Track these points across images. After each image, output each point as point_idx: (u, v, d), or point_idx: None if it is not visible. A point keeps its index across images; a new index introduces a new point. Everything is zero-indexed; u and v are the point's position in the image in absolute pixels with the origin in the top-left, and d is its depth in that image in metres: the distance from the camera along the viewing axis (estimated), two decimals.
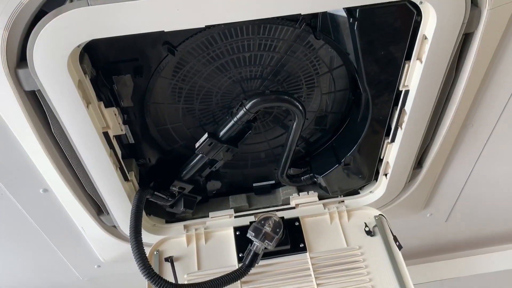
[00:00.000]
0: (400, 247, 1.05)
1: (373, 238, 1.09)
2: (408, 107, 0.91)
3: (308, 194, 1.17)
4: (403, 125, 0.95)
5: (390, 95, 0.91)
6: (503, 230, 1.44)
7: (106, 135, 0.87)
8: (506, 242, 1.46)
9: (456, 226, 1.39)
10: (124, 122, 0.94)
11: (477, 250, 1.47)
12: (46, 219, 1.07)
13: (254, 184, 1.20)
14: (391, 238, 1.07)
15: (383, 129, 0.99)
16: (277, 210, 1.16)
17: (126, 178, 0.98)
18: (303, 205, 1.16)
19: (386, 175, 1.10)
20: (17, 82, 0.73)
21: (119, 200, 0.99)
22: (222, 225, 1.14)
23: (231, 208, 1.17)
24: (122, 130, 0.92)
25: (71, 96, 0.74)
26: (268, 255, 1.05)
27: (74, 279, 1.29)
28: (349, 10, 0.78)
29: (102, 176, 0.92)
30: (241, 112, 0.93)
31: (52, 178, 0.95)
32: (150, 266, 0.92)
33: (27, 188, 0.99)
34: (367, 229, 1.10)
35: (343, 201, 1.16)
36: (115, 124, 0.88)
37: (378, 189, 1.14)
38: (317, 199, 1.16)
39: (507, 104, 1.01)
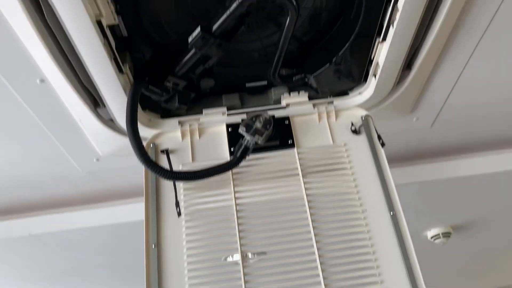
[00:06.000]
0: (383, 144, 1.11)
1: (359, 136, 1.15)
2: (400, 4, 0.91)
3: (298, 94, 1.20)
4: (395, 23, 0.95)
5: None
6: (486, 137, 1.50)
7: (99, 24, 0.88)
8: (488, 149, 1.53)
9: (441, 132, 1.44)
10: (117, 13, 0.93)
11: (461, 156, 1.54)
12: (44, 110, 1.10)
13: (247, 84, 1.23)
14: (375, 136, 1.13)
15: (375, 27, 1.00)
16: (268, 110, 1.20)
17: (120, 70, 0.99)
18: (294, 104, 1.19)
19: (375, 76, 1.12)
20: None
21: (114, 91, 1.02)
22: (215, 122, 1.18)
23: (224, 106, 1.20)
24: (115, 20, 0.92)
25: None
26: (258, 150, 1.11)
27: (74, 171, 1.35)
28: None
29: (96, 66, 0.94)
30: (235, 5, 0.93)
31: (48, 68, 0.98)
32: (147, 154, 0.97)
33: (25, 78, 1.01)
34: (353, 128, 1.15)
35: (332, 102, 1.20)
36: (108, 13, 0.88)
37: (367, 90, 1.16)
38: (307, 99, 1.19)
39: (501, 4, 1.00)
